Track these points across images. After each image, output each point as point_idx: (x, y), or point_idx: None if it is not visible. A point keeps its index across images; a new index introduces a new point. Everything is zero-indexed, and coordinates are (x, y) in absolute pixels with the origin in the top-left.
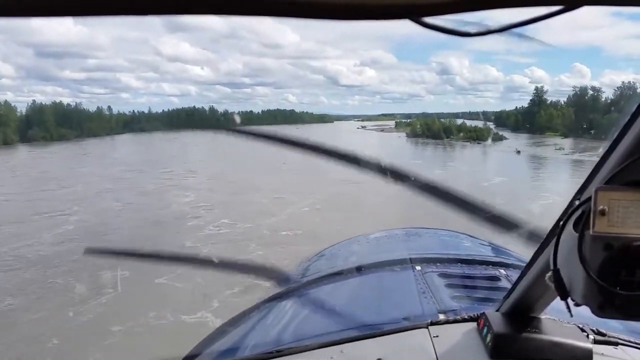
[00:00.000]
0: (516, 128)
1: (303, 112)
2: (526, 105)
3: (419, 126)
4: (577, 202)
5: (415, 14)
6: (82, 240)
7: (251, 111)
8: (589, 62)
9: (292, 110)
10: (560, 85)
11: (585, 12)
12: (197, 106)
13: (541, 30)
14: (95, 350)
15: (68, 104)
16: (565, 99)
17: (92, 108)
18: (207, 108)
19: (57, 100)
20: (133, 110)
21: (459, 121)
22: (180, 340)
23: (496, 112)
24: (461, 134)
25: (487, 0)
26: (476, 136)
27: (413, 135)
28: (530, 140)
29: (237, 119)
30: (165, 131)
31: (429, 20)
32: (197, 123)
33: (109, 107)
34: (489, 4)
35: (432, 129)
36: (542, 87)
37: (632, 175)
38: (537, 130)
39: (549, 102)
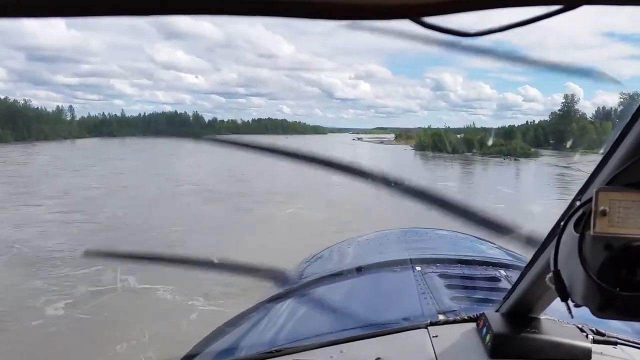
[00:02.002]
0: (536, 144)
1: (295, 122)
2: (547, 119)
3: (429, 137)
4: (577, 203)
5: (415, 14)
6: None
7: (240, 119)
8: (581, 82)
9: (284, 119)
10: (553, 105)
11: (578, 31)
12: (179, 111)
13: (536, 49)
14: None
15: (15, 101)
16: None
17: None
18: (190, 114)
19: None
20: (103, 113)
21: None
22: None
23: (505, 127)
24: (485, 148)
25: (486, 1)
26: (507, 151)
27: (421, 148)
28: (570, 158)
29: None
30: (140, 137)
31: (428, 20)
32: (179, 130)
33: (70, 107)
34: (489, 4)
35: (444, 142)
36: (572, 95)
37: (633, 176)
38: (564, 147)
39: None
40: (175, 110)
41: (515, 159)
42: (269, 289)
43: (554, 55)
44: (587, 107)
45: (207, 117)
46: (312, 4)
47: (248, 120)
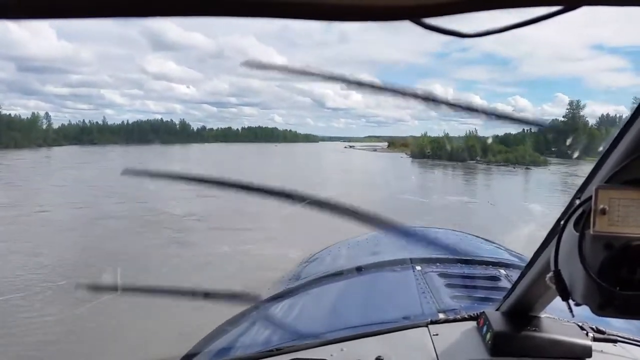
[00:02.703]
0: (539, 151)
1: (286, 130)
2: (547, 127)
3: (427, 144)
4: (577, 202)
5: (415, 15)
6: None
7: (230, 127)
8: (570, 93)
9: (275, 128)
10: (542, 114)
11: (567, 43)
12: (165, 119)
13: (525, 61)
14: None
15: None
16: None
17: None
18: (177, 122)
19: None
20: (83, 120)
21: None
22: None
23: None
24: (490, 156)
25: (486, 2)
26: (515, 158)
27: (419, 155)
28: (585, 166)
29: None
30: (123, 145)
31: (429, 21)
32: (164, 137)
33: (47, 114)
34: (488, 5)
35: (444, 149)
36: (578, 101)
37: (632, 174)
38: (569, 154)
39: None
40: (161, 118)
41: (527, 168)
42: (270, 288)
43: (544, 67)
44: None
45: (196, 125)
46: (312, 5)
47: (238, 129)
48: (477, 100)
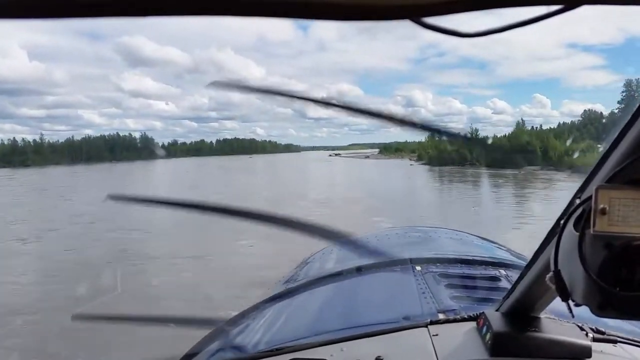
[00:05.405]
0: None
1: (265, 141)
2: (577, 120)
3: (448, 147)
4: (577, 201)
5: (415, 14)
6: None
7: (202, 140)
8: (548, 93)
9: (253, 139)
10: (521, 116)
11: (542, 43)
12: (121, 134)
13: (502, 63)
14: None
15: None
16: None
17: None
18: (137, 136)
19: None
20: (14, 138)
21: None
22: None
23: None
24: (565, 155)
25: (487, 1)
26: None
27: (440, 162)
28: None
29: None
30: (68, 165)
31: (429, 20)
32: (120, 154)
33: None
34: (489, 4)
35: (484, 150)
36: (637, 80)
37: (632, 174)
38: None
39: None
40: (117, 133)
41: None
42: (270, 288)
43: (521, 68)
44: (555, 116)
45: (167, 140)
46: (312, 4)
47: (212, 142)
48: (457, 104)
